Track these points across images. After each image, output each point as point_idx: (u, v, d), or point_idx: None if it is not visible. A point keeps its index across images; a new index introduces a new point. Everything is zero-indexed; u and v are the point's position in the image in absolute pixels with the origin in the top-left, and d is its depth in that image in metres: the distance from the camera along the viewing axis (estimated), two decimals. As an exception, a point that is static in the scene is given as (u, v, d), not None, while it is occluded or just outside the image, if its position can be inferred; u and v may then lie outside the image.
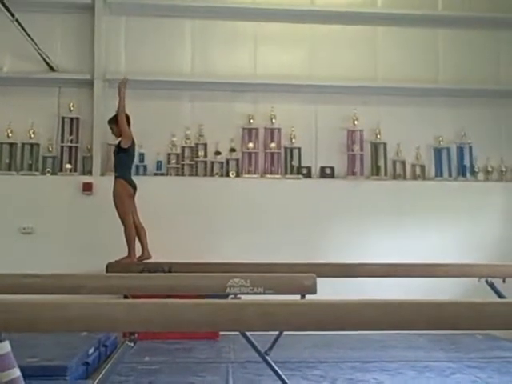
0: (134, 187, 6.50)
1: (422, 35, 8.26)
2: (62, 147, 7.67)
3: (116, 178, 6.48)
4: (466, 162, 8.05)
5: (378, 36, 8.25)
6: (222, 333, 6.41)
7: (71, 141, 7.66)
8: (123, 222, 6.33)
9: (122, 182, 6.41)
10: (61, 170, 7.61)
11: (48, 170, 7.61)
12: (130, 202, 6.43)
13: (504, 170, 8.12)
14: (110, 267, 5.70)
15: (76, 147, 7.67)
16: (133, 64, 7.88)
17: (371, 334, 6.21)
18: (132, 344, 2.80)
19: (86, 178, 7.50)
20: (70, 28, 7.87)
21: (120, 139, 6.58)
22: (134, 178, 7.40)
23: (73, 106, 7.69)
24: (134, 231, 6.35)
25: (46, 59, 7.39)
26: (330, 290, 4.75)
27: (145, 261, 6.37)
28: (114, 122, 6.60)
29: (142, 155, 7.70)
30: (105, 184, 7.40)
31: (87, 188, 7.41)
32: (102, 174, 7.55)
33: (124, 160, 6.54)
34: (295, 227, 7.57)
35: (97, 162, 7.56)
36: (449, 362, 5.58)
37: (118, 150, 6.55)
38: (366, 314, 2.51)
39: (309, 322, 2.56)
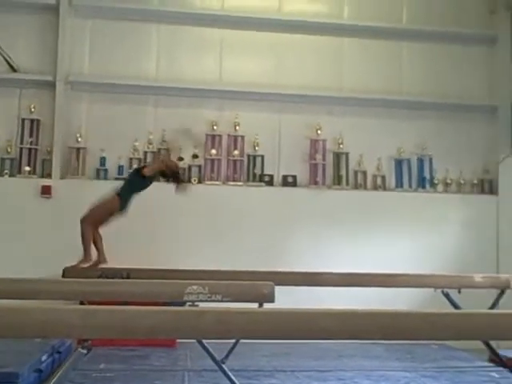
0: (122, 209, 6.11)
1: (387, 47, 8.38)
2: (21, 149, 7.53)
3: (116, 194, 6.11)
4: (426, 174, 8.17)
5: (344, 47, 8.33)
6: (179, 340, 6.35)
7: (31, 143, 7.53)
8: (82, 223, 6.03)
9: (117, 200, 6.07)
10: (19, 172, 7.47)
11: (6, 171, 7.46)
12: (106, 216, 6.10)
13: (463, 182, 8.27)
14: (67, 272, 5.59)
15: (36, 149, 7.53)
16: (97, 67, 7.80)
17: (329, 343, 6.22)
18: (85, 351, 2.75)
19: (45, 181, 7.37)
20: (33, 29, 7.75)
21: (146, 165, 6.44)
22: (94, 182, 7.36)
23: (34, 107, 7.56)
24: (90, 234, 6.13)
25: (8, 59, 7.27)
26: (290, 299, 4.77)
27: (102, 266, 6.23)
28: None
29: (103, 159, 7.62)
30: (64, 187, 7.34)
31: (46, 191, 7.28)
32: (62, 178, 7.44)
33: (134, 185, 6.24)
34: (257, 235, 7.57)
35: (56, 165, 7.44)
36: (404, 372, 5.64)
37: (136, 172, 6.31)
38: (322, 323, 2.52)
39: (265, 331, 2.56)
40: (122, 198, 6.10)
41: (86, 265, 6.00)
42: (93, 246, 6.19)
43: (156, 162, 6.41)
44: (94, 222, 6.08)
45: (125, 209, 6.12)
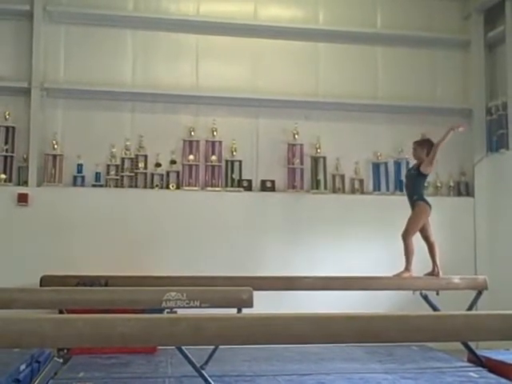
0: (430, 207, 6.40)
1: (362, 52, 8.45)
2: (-4, 156, 7.45)
3: (416, 200, 6.37)
4: (403, 177, 8.21)
5: (320, 52, 8.37)
6: (159, 346, 6.32)
7: (6, 150, 7.43)
8: (405, 239, 6.26)
9: (425, 205, 6.34)
10: (-5, 180, 7.40)
11: (-19, 180, 7.38)
12: (424, 222, 6.38)
13: (439, 185, 8.36)
14: (44, 281, 5.54)
15: (11, 157, 7.44)
16: (72, 73, 7.74)
17: (309, 346, 6.24)
18: (61, 360, 2.73)
19: (22, 189, 7.28)
20: (7, 35, 7.66)
21: (419, 163, 6.46)
22: (71, 189, 7.34)
23: (9, 114, 7.47)
24: (413, 247, 6.26)
25: (-19, 66, 7.20)
26: (270, 304, 4.78)
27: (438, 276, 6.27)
28: (422, 146, 6.52)
29: (80, 166, 7.56)
30: (41, 195, 7.27)
31: (23, 199, 7.19)
32: (39, 185, 7.37)
33: (422, 183, 6.54)
34: (236, 240, 7.57)
35: (33, 173, 7.36)
36: (384, 374, 5.64)
37: (418, 173, 6.44)
38: (298, 327, 2.53)
39: (241, 336, 2.56)
40: (425, 200, 6.41)
41: (407, 275, 6.18)
42: None
43: (425, 159, 6.42)
44: (411, 235, 6.32)
45: (430, 205, 6.40)
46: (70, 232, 7.19)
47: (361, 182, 8.22)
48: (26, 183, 7.38)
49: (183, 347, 4.04)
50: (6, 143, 7.46)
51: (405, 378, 5.47)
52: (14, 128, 7.49)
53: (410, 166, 8.10)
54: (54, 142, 7.52)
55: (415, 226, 6.34)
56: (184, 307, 4.13)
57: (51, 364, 2.82)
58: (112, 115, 7.77)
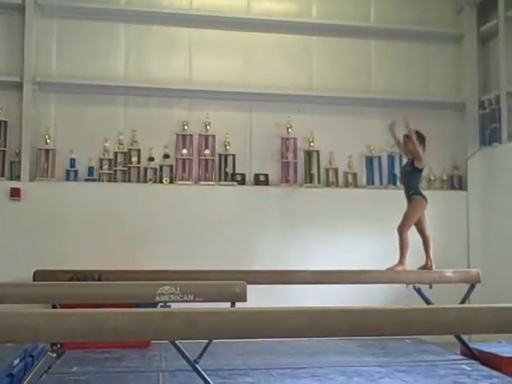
0: (426, 200, 6.46)
1: (355, 46, 8.44)
2: (-11, 151, 7.42)
3: (412, 195, 6.42)
4: (397, 171, 8.25)
5: (313, 45, 8.36)
6: (153, 341, 6.32)
7: (-2, 145, 7.42)
8: (401, 233, 6.30)
9: (421, 199, 6.40)
10: (-13, 174, 7.36)
11: (-26, 174, 7.35)
12: (420, 216, 6.44)
13: (432, 178, 8.38)
14: (37, 275, 5.52)
15: (3, 151, 7.40)
16: (65, 67, 7.70)
17: (303, 340, 6.25)
18: (54, 355, 2.72)
19: (14, 184, 7.26)
20: (-2, 28, 7.65)
21: (413, 158, 6.52)
22: (64, 183, 7.32)
23: (1, 108, 7.43)
24: (408, 241, 6.30)
25: (-27, 60, 7.16)
26: (264, 298, 4.79)
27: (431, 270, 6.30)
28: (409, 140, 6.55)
29: (73, 160, 7.53)
30: (34, 190, 7.25)
31: (15, 194, 7.17)
32: (31, 180, 7.34)
33: (418, 178, 6.62)
34: (229, 234, 7.57)
35: (25, 167, 7.33)
36: (378, 367, 5.66)
37: (412, 168, 6.50)
38: (292, 321, 2.53)
39: (235, 330, 2.56)
40: (422, 195, 6.47)
41: (400, 268, 6.23)
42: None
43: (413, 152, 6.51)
44: (408, 229, 6.37)
45: (427, 199, 6.47)
46: (63, 226, 7.19)
47: (354, 175, 8.23)
48: (18, 178, 7.35)
49: (177, 341, 4.04)
50: (-2, 138, 7.43)
51: (398, 370, 5.49)
52: (6, 122, 7.46)
53: (404, 159, 8.13)
54: (47, 136, 7.50)
55: (411, 219, 6.38)
56: (178, 301, 4.14)
57: (45, 358, 2.82)
58: (105, 109, 7.74)
